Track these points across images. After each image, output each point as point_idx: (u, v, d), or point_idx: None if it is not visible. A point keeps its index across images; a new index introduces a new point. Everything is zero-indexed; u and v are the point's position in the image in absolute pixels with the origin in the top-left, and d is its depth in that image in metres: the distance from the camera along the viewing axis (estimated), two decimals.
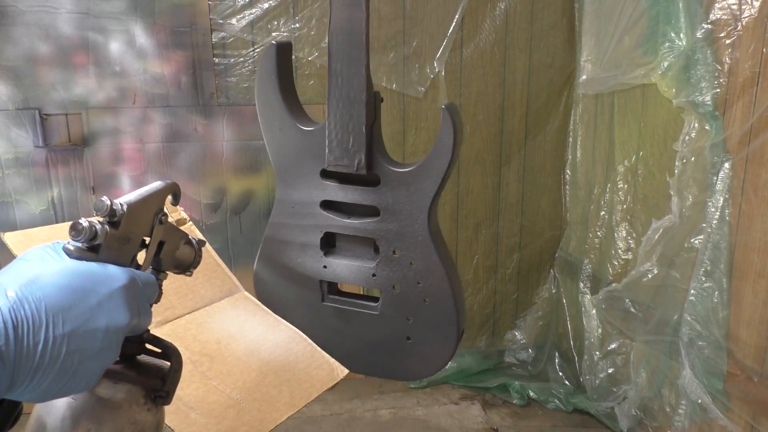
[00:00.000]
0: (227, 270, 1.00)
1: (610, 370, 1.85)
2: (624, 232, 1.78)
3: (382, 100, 1.21)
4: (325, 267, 1.29)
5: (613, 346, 1.83)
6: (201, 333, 0.85)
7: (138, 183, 1.95)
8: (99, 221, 0.50)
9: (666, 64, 1.47)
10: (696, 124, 1.42)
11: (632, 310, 1.71)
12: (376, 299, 1.30)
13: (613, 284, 1.78)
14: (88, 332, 0.45)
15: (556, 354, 2.19)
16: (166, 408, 0.68)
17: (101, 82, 1.86)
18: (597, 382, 1.90)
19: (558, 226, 2.22)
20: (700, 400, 1.44)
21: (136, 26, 1.84)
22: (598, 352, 1.89)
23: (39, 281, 0.45)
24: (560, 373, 2.15)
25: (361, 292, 1.64)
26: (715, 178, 1.39)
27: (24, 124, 1.84)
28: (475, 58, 2.02)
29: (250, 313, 0.94)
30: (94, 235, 0.49)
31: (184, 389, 0.74)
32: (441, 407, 2.06)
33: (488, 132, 2.11)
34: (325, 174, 1.24)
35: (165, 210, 0.58)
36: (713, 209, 1.40)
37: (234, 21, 1.87)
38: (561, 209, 2.20)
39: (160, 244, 0.58)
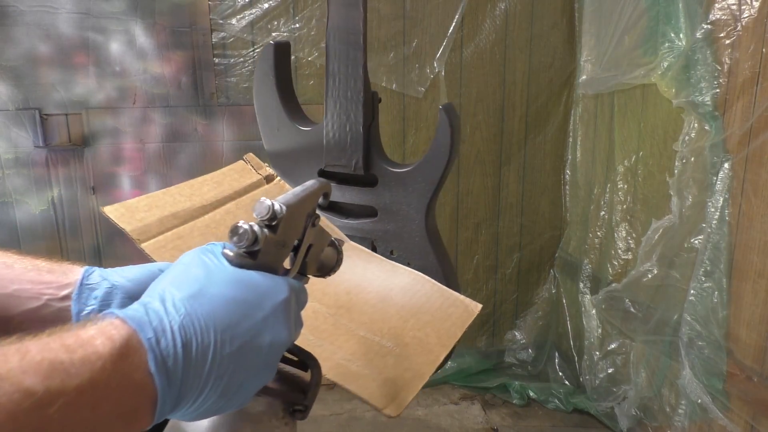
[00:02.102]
0: (327, 221, 0.96)
1: (610, 370, 1.85)
2: (624, 232, 1.78)
3: (380, 101, 1.22)
4: None
5: (613, 346, 1.83)
6: (327, 286, 0.81)
7: (138, 183, 1.95)
8: (257, 224, 0.46)
9: (666, 64, 1.47)
10: (696, 124, 1.43)
11: (632, 310, 1.71)
12: None
13: (613, 284, 1.78)
14: (253, 350, 0.42)
15: (556, 354, 2.19)
16: (329, 363, 0.66)
17: (101, 82, 1.86)
18: (597, 382, 1.90)
19: (558, 226, 2.22)
20: (699, 400, 1.44)
21: (136, 26, 1.84)
22: (598, 352, 1.89)
23: (206, 293, 0.42)
24: (560, 373, 2.15)
25: None
26: (715, 178, 1.39)
27: (24, 124, 1.84)
28: (475, 58, 2.02)
29: (364, 261, 0.90)
30: (255, 239, 0.45)
31: (335, 343, 0.71)
32: (441, 407, 2.06)
33: (488, 132, 2.11)
34: (323, 174, 1.25)
35: (317, 212, 0.54)
36: (713, 209, 1.40)
37: (234, 21, 1.87)
38: (561, 209, 2.20)
39: (308, 248, 0.54)
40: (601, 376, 1.88)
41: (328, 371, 0.65)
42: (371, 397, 0.64)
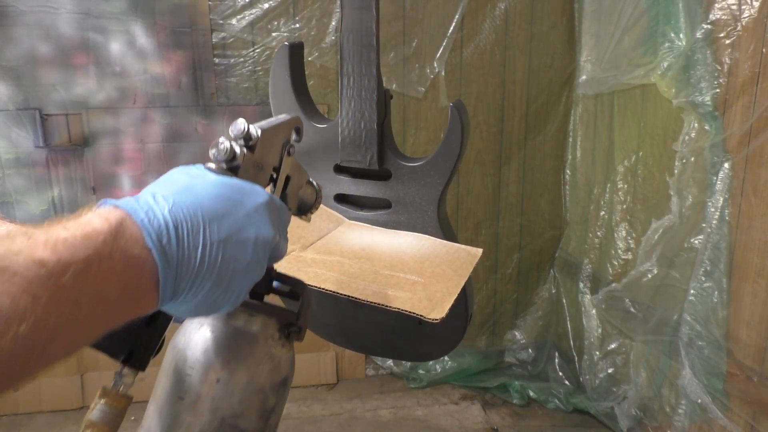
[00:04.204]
0: (326, 208, 1.04)
1: (610, 370, 1.85)
2: (624, 232, 1.78)
3: (392, 97, 1.27)
4: None
5: (613, 346, 1.83)
6: (342, 248, 0.90)
7: (138, 183, 1.95)
8: (236, 142, 0.50)
9: (666, 64, 1.47)
10: (696, 124, 1.43)
11: (632, 310, 1.71)
12: None
13: (613, 284, 1.78)
14: (240, 242, 0.45)
15: (556, 354, 2.19)
16: (366, 293, 0.72)
17: (101, 83, 1.87)
18: (597, 382, 1.90)
19: (558, 226, 2.22)
20: (699, 400, 1.45)
21: (136, 26, 1.84)
22: (598, 352, 1.89)
23: (192, 190, 0.44)
24: (560, 373, 2.15)
25: None
26: (715, 178, 1.39)
27: (24, 124, 1.84)
28: (475, 58, 2.03)
29: (367, 230, 1.00)
30: (234, 155, 0.49)
31: (366, 279, 0.79)
32: (441, 407, 2.06)
33: (488, 132, 2.11)
34: (338, 169, 1.29)
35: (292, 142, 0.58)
36: (713, 209, 1.40)
37: (234, 21, 1.87)
38: (561, 209, 2.20)
39: (287, 179, 0.58)
40: (601, 376, 1.88)
41: (367, 298, 0.72)
42: (413, 308, 0.71)
